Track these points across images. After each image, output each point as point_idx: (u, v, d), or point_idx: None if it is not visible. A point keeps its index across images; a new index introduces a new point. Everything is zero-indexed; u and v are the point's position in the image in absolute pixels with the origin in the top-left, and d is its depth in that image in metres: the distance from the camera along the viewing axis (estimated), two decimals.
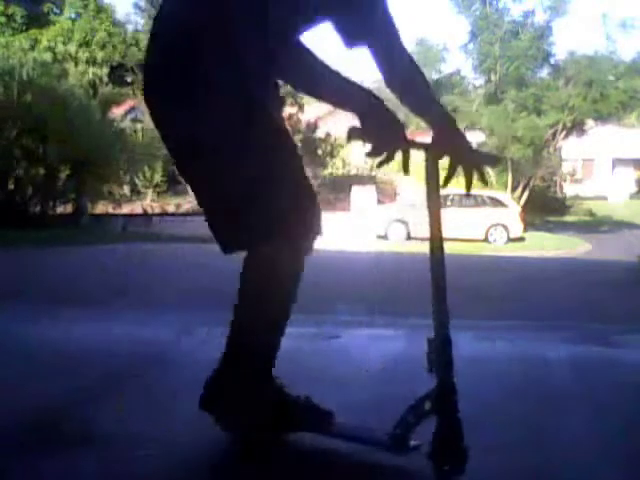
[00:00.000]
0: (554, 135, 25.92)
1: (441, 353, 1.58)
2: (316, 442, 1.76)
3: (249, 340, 1.73)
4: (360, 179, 22.67)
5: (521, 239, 19.42)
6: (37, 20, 24.82)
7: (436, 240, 1.63)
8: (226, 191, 1.66)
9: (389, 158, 1.58)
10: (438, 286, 1.61)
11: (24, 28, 24.37)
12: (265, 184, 1.63)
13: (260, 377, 1.75)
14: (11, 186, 13.72)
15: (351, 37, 1.79)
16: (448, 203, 19.51)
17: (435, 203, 1.64)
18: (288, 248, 1.66)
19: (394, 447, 1.61)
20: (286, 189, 1.64)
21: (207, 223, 1.71)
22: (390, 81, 1.83)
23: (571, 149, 28.98)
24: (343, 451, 1.73)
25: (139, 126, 20.04)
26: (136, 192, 22.00)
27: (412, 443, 1.60)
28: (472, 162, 1.71)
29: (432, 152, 1.65)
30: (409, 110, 1.85)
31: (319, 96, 1.66)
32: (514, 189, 25.37)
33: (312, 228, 1.69)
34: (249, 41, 1.60)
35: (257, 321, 1.72)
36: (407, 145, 1.61)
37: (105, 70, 22.68)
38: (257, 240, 1.65)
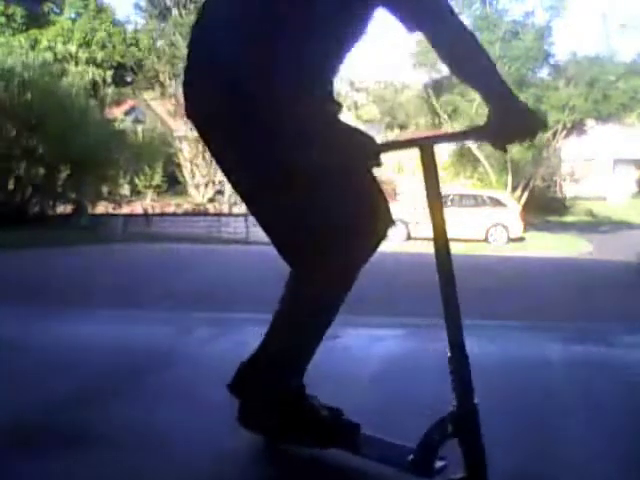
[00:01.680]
0: (554, 135, 25.89)
1: (458, 373, 1.51)
2: (332, 454, 1.72)
3: (278, 348, 1.70)
4: None
5: (521, 239, 19.41)
6: (37, 20, 24.78)
7: (441, 245, 1.53)
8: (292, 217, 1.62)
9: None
10: (448, 298, 1.52)
11: (24, 28, 24.34)
12: (322, 206, 1.59)
13: (277, 384, 1.70)
14: (11, 186, 13.70)
15: (407, 20, 1.63)
16: (448, 203, 19.51)
17: (436, 201, 1.56)
18: (340, 268, 1.62)
19: (417, 469, 1.53)
20: (342, 210, 1.59)
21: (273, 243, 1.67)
22: (446, 62, 1.66)
23: (571, 149, 28.96)
24: (362, 467, 1.68)
25: (139, 126, 20.03)
26: (136, 192, 21.99)
27: (437, 465, 1.52)
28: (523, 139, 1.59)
29: (426, 148, 1.57)
30: (466, 85, 1.69)
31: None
32: (514, 189, 25.35)
33: (368, 245, 1.64)
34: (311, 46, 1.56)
35: (293, 334, 1.69)
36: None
37: (109, 73, 22.61)
38: (312, 257, 1.62)
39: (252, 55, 1.56)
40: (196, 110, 1.66)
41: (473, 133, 1.66)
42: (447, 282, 1.53)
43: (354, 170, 1.63)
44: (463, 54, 1.61)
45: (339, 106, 1.72)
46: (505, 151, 1.59)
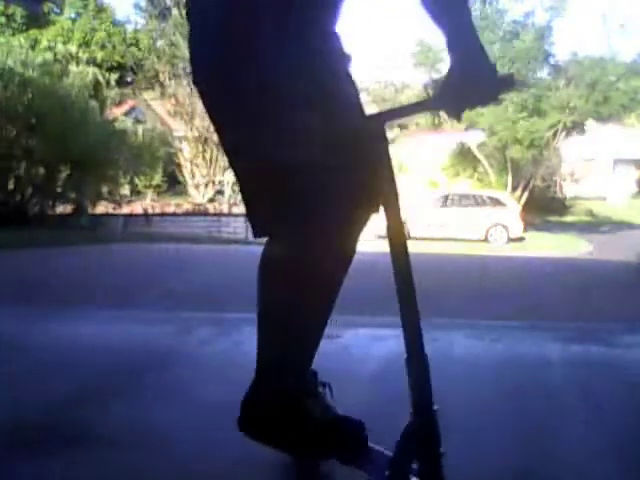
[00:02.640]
0: (554, 135, 25.91)
1: (416, 376, 1.35)
2: None
3: (273, 351, 1.55)
4: None
5: (521, 239, 19.44)
6: (37, 20, 24.83)
7: (397, 243, 1.35)
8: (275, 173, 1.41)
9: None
10: (404, 294, 1.38)
11: (24, 28, 24.39)
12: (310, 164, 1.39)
13: (287, 390, 1.55)
14: (11, 186, 13.71)
15: None
16: (448, 203, 19.53)
17: (391, 193, 1.32)
18: (331, 234, 1.42)
19: None
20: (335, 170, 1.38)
21: (245, 205, 1.53)
22: None
23: (571, 149, 28.99)
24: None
25: (139, 126, 20.05)
26: (136, 192, 22.01)
27: None
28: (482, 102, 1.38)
29: (373, 126, 1.32)
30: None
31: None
32: (514, 189, 25.38)
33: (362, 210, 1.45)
34: None
35: (287, 327, 1.53)
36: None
37: (114, 76, 22.61)
38: (296, 223, 1.42)
39: (244, 42, 1.41)
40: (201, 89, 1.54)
41: (427, 103, 1.46)
42: (404, 280, 1.40)
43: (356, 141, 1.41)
44: None
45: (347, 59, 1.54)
46: (459, 119, 1.36)
